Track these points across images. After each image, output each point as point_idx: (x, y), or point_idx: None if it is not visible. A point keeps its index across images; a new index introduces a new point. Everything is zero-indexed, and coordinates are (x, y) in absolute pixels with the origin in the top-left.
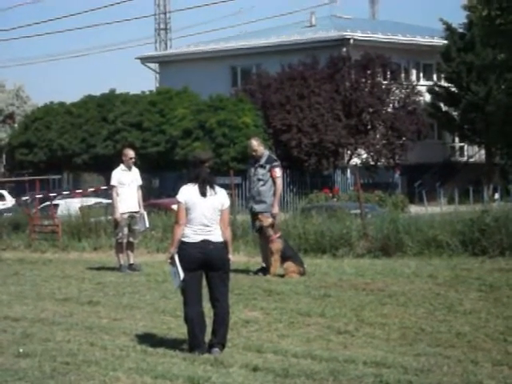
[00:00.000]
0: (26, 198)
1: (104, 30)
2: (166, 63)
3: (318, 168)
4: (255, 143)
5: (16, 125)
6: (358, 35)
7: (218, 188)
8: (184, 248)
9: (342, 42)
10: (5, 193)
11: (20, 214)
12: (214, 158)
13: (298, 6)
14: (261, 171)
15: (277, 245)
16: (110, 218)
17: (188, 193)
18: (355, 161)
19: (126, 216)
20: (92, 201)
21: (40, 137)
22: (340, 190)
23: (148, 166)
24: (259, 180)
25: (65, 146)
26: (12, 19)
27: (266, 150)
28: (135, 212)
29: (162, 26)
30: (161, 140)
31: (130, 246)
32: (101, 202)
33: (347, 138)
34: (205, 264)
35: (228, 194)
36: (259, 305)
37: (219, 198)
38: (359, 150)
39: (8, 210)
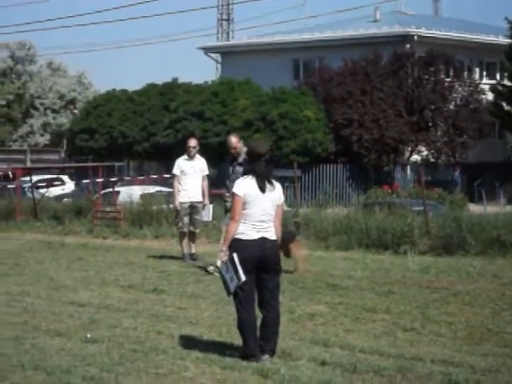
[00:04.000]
0: (87, 182)
1: (168, 20)
2: (228, 54)
3: (378, 164)
4: (234, 140)
5: (77, 111)
6: (423, 31)
7: (275, 182)
8: (240, 246)
9: (406, 38)
10: (65, 178)
11: (82, 200)
12: (275, 150)
13: (362, 2)
14: (239, 169)
15: None
16: (171, 206)
17: (246, 186)
18: (415, 158)
19: (186, 205)
20: (153, 189)
21: (101, 123)
22: (399, 186)
23: (208, 156)
24: (238, 178)
25: (126, 133)
26: (76, 6)
27: (245, 147)
28: (197, 202)
29: (224, 16)
30: (222, 130)
31: (192, 235)
32: (161, 190)
33: (408, 134)
34: (259, 264)
35: (291, 186)
36: (324, 299)
37: (277, 192)
38: (420, 146)
39: (68, 195)
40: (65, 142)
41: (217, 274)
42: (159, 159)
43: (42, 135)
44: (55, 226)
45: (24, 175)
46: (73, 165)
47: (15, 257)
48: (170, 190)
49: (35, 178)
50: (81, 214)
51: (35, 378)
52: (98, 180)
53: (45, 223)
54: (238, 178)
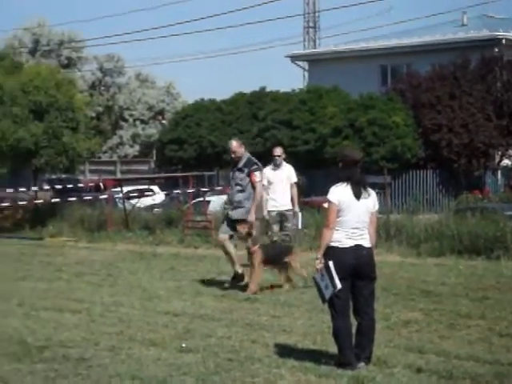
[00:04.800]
0: (177, 191)
1: (254, 29)
2: (315, 61)
3: (468, 169)
4: (235, 144)
5: (166, 121)
6: (511, 35)
7: (369, 189)
8: (335, 254)
9: (494, 41)
10: (155, 188)
11: (173, 210)
12: (364, 156)
13: (449, 6)
14: (239, 175)
15: (257, 257)
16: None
17: (341, 193)
18: (506, 162)
19: (274, 214)
20: None
21: (190, 133)
22: (490, 191)
23: (297, 163)
24: (237, 185)
25: (215, 142)
26: (163, 17)
27: (247, 153)
28: (286, 210)
29: (310, 24)
30: (310, 138)
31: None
32: None
33: (498, 138)
34: (354, 272)
35: (381, 193)
36: (418, 306)
37: (372, 199)
38: (510, 151)
39: (158, 205)
40: (154, 152)
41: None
42: None
43: (131, 146)
44: (146, 236)
45: (115, 186)
46: (163, 175)
47: (108, 267)
48: None
49: (126, 188)
50: (172, 223)
51: None
52: (189, 190)
53: (136, 234)
54: (237, 184)
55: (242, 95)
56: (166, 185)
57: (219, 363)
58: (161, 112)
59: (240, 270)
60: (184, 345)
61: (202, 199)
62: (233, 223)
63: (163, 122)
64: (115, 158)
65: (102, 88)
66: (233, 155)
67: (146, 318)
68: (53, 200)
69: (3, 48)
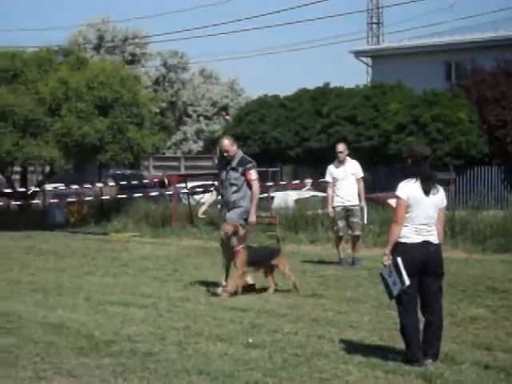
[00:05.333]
0: None
1: (318, 24)
2: (378, 57)
3: None
4: (227, 142)
5: (230, 117)
6: None
7: (438, 185)
8: (403, 250)
9: None
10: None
11: None
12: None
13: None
14: (233, 175)
15: (241, 257)
16: (325, 211)
17: (410, 189)
18: None
19: (339, 209)
20: (308, 194)
21: (254, 129)
22: None
23: (361, 160)
24: (232, 185)
25: (278, 138)
26: (226, 13)
27: (240, 151)
28: (352, 205)
29: (374, 20)
30: (374, 134)
31: (352, 239)
32: (316, 195)
33: None
34: (422, 268)
35: (446, 189)
36: (484, 302)
37: (440, 196)
38: None
39: None
40: (218, 148)
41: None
42: (312, 164)
43: (195, 142)
44: (211, 231)
45: (179, 182)
46: None
47: (173, 263)
48: (325, 194)
49: (190, 184)
50: None
51: (199, 382)
52: None
53: (200, 229)
54: (231, 184)
55: (306, 91)
56: None
57: (286, 359)
58: (224, 108)
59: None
60: (251, 340)
61: (266, 195)
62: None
63: (227, 117)
64: (179, 153)
65: (166, 84)
66: (225, 154)
67: (213, 313)
68: (119, 196)
69: (68, 44)
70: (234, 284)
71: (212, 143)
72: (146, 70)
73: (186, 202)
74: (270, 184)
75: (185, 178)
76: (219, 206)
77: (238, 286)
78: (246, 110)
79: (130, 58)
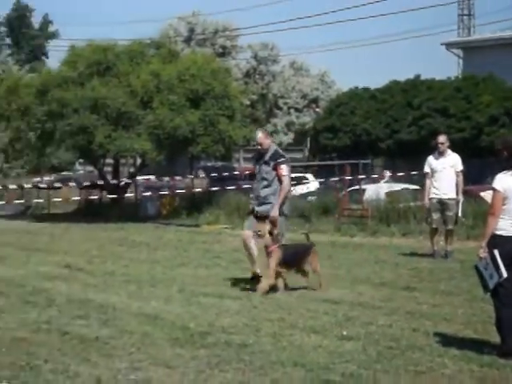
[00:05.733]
0: (334, 180)
1: (409, 16)
2: (470, 49)
3: None
4: (261, 135)
5: (320, 109)
6: None
7: None
8: (499, 242)
9: None
10: (309, 176)
11: (328, 198)
12: None
13: None
14: (265, 169)
15: (275, 257)
16: (418, 203)
17: (506, 182)
18: None
19: (434, 201)
20: (399, 186)
21: (344, 121)
22: None
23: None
24: (263, 179)
25: (369, 130)
26: (317, 5)
27: (274, 144)
28: (448, 198)
29: (465, 11)
30: (466, 126)
31: (446, 233)
32: (408, 188)
33: None
34: None
35: None
36: None
37: None
38: None
39: (312, 193)
40: (308, 140)
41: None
42: (403, 156)
43: (285, 134)
44: (302, 224)
45: None
46: (318, 163)
47: (265, 255)
48: (416, 187)
49: None
50: (327, 212)
51: (295, 374)
52: (345, 178)
53: (292, 221)
54: (263, 178)
55: (397, 83)
56: (320, 173)
57: (380, 351)
58: (315, 100)
59: (259, 271)
60: (345, 332)
61: (357, 187)
62: (258, 219)
63: (317, 110)
64: None
65: (257, 76)
66: (259, 147)
67: (306, 305)
68: (212, 189)
69: (159, 37)
70: (267, 284)
71: (302, 135)
72: (236, 63)
73: None
74: (361, 177)
75: None
76: (250, 200)
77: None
78: (337, 102)
79: (220, 50)
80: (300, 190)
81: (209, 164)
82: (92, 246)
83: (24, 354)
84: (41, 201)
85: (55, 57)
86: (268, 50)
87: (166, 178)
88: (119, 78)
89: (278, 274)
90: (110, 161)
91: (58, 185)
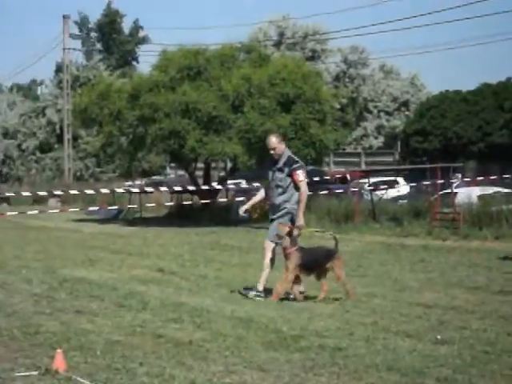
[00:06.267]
0: (426, 183)
1: (500, 18)
2: None
3: None
4: (274, 140)
5: (410, 113)
6: None
7: None
8: None
9: None
10: (400, 179)
11: (419, 201)
12: None
13: None
14: (279, 175)
15: (293, 260)
16: (511, 206)
17: None
18: None
19: None
20: (491, 189)
21: (435, 125)
22: None
23: None
24: (277, 187)
25: (460, 133)
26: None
27: (288, 150)
28: None
29: None
30: None
31: None
32: (499, 191)
33: None
34: None
35: None
36: None
37: None
38: None
39: (403, 196)
40: (398, 144)
41: (258, 299)
42: (495, 159)
43: (375, 138)
44: (394, 227)
45: (361, 178)
46: (409, 166)
47: (357, 258)
48: (508, 190)
49: (371, 180)
50: (419, 215)
51: (389, 378)
52: (437, 181)
53: (383, 225)
54: (277, 185)
55: (488, 86)
56: (411, 176)
57: (475, 356)
58: (405, 103)
59: (261, 288)
60: (439, 336)
61: (449, 191)
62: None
63: (407, 113)
64: (359, 149)
65: (347, 80)
66: (272, 152)
67: (399, 309)
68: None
69: (249, 41)
70: (283, 288)
71: (392, 139)
72: (326, 67)
73: (368, 198)
74: (453, 180)
75: (367, 174)
76: (108, 208)
77: (295, 292)
78: (427, 105)
79: (310, 54)
80: (391, 193)
81: None
82: (184, 250)
83: (119, 356)
84: (134, 206)
85: (146, 62)
86: (358, 54)
87: (256, 183)
88: (210, 82)
89: (296, 278)
90: (200, 165)
91: (149, 189)
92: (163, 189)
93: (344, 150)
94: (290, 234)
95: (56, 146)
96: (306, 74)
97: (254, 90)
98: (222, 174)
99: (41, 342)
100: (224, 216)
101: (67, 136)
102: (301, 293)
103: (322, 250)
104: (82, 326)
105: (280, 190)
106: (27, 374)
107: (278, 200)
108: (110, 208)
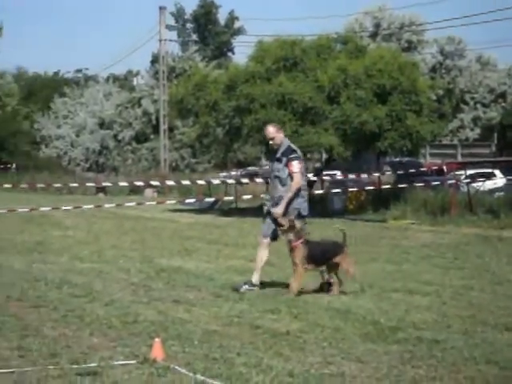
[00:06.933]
0: None
1: None
2: None
3: None
4: (271, 130)
5: (505, 104)
6: None
7: None
8: None
9: None
10: (497, 172)
11: None
12: None
13: None
14: (277, 166)
15: (299, 253)
16: None
17: None
18: None
19: None
20: None
21: None
22: None
23: None
24: (276, 177)
25: None
26: None
27: (287, 140)
28: None
29: None
30: None
31: None
32: None
33: None
34: None
35: None
36: None
37: None
38: None
39: (500, 188)
40: (495, 135)
41: (251, 288)
42: None
43: (471, 129)
44: (491, 219)
45: (457, 169)
46: (506, 159)
47: (454, 251)
48: None
49: (468, 172)
50: None
51: (488, 371)
52: None
53: (480, 217)
54: (275, 176)
55: None
56: (508, 168)
57: None
58: (502, 95)
59: (254, 281)
60: None
61: None
62: (276, 221)
63: (504, 104)
64: (456, 141)
65: (443, 71)
66: (271, 142)
67: (497, 302)
68: (399, 184)
69: (344, 32)
70: (297, 284)
71: (489, 130)
72: (422, 58)
73: (465, 190)
74: None
75: (463, 166)
76: (205, 199)
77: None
78: None
79: (406, 45)
80: (488, 185)
81: (395, 159)
82: (280, 241)
83: (216, 346)
84: (230, 198)
85: (241, 53)
86: (454, 45)
87: (351, 174)
88: (306, 73)
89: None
90: None
91: (245, 180)
92: (259, 180)
93: (440, 141)
94: (292, 227)
95: (152, 136)
96: (403, 64)
97: (350, 81)
98: (318, 165)
99: (139, 331)
100: (319, 207)
101: (163, 127)
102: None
103: (328, 243)
104: (179, 316)
105: (279, 181)
106: (126, 362)
107: (278, 192)
108: (206, 200)
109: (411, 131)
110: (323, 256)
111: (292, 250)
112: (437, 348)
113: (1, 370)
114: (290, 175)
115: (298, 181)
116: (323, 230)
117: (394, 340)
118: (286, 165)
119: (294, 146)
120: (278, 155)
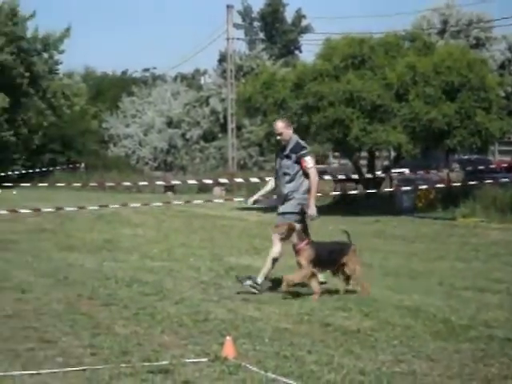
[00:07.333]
0: None
1: None
2: None
3: None
4: (280, 125)
5: None
6: None
7: None
8: None
9: None
10: None
11: None
12: None
13: None
14: (286, 163)
15: (305, 256)
16: None
17: None
18: None
19: None
20: None
21: None
22: None
23: None
24: (285, 175)
25: None
26: None
27: (295, 135)
28: None
29: None
30: None
31: None
32: None
33: None
34: None
35: None
36: None
37: None
38: None
39: None
40: None
41: (253, 290)
42: None
43: None
44: None
45: None
46: None
47: None
48: None
49: None
50: None
51: None
52: None
53: None
54: (284, 173)
55: None
56: None
57: None
58: None
59: (260, 281)
60: None
61: None
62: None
63: None
64: None
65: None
66: (279, 138)
67: None
68: (468, 182)
69: (412, 29)
70: (296, 278)
71: None
72: (490, 54)
73: None
74: None
75: None
76: (274, 197)
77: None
78: None
79: (474, 42)
80: None
81: (463, 157)
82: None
83: (287, 344)
84: None
85: (308, 51)
86: None
87: (420, 171)
88: (374, 70)
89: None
90: (364, 153)
91: None
92: (327, 177)
93: (509, 138)
94: (292, 229)
95: (220, 135)
96: (471, 61)
97: (419, 79)
98: (386, 162)
99: (210, 329)
100: (388, 205)
101: (231, 125)
102: (322, 283)
103: (335, 244)
104: (249, 314)
105: (287, 178)
106: (197, 360)
107: (286, 189)
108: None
109: (480, 128)
110: (330, 257)
111: (297, 252)
112: (509, 346)
113: (73, 367)
114: (303, 171)
115: (314, 176)
116: (393, 227)
117: (466, 338)
118: (296, 162)
119: (303, 143)
120: (287, 152)
